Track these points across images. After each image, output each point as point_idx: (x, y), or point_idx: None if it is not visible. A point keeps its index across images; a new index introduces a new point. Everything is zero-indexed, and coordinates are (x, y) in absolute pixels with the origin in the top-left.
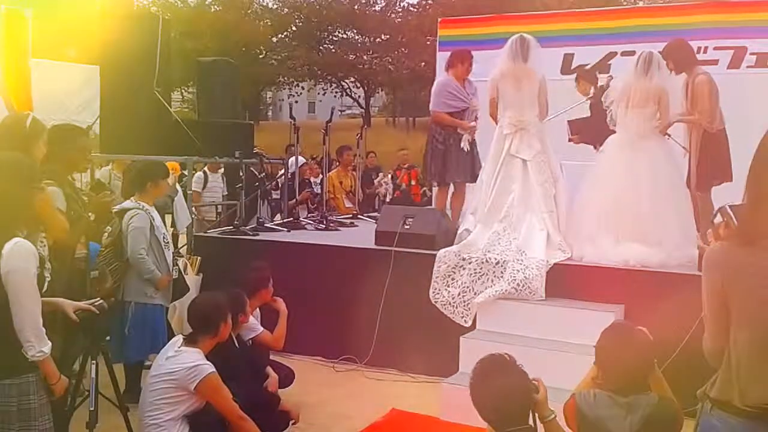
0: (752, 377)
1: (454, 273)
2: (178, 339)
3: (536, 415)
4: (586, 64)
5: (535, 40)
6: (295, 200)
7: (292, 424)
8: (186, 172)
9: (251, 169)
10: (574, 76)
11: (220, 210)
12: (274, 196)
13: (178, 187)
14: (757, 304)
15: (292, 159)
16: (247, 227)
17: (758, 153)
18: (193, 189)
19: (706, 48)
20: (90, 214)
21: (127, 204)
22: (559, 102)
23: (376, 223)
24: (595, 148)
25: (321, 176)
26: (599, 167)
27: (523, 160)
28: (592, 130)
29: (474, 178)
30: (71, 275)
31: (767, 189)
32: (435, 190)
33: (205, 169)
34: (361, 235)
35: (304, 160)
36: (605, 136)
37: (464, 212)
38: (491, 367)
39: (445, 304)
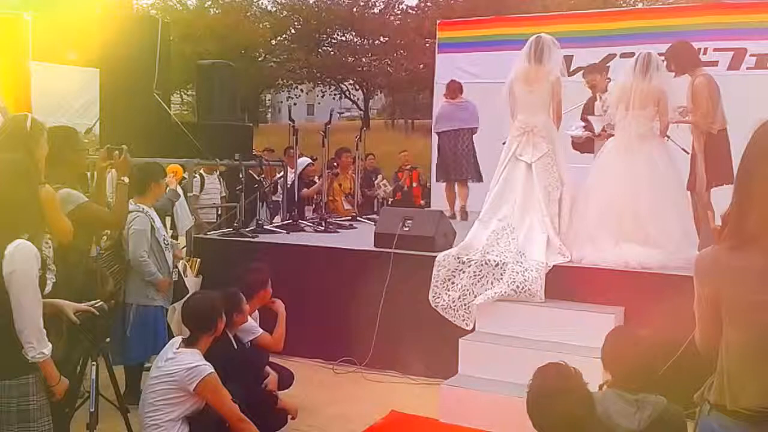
0: (745, 381)
1: (454, 276)
2: (177, 340)
3: None
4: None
5: (552, 40)
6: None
7: (291, 419)
8: (186, 175)
9: (249, 171)
10: (580, 74)
11: (219, 212)
12: (273, 199)
13: (179, 190)
14: (746, 308)
15: (300, 160)
16: (247, 229)
17: (746, 154)
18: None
19: (705, 49)
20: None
21: None
22: None
23: (375, 225)
24: None
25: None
26: (599, 169)
27: (527, 163)
28: (592, 142)
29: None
30: (87, 275)
31: (756, 190)
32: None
33: (201, 171)
34: (360, 236)
35: (310, 161)
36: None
37: None
38: (557, 383)
39: (445, 308)
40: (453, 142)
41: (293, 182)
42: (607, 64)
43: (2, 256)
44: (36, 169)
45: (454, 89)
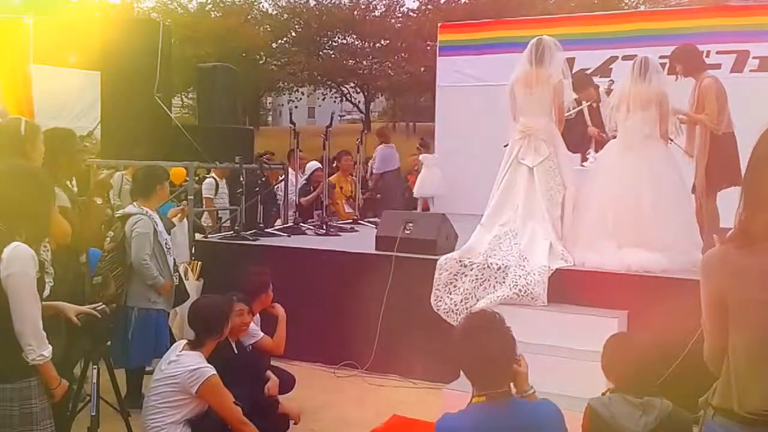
0: (751, 383)
1: (456, 280)
2: (181, 343)
3: (515, 388)
4: (587, 69)
5: (554, 43)
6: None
7: (293, 424)
8: (188, 178)
9: (261, 173)
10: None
11: (221, 215)
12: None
13: (185, 223)
14: (754, 308)
15: (310, 164)
16: (248, 232)
17: (754, 154)
18: (204, 195)
19: (708, 52)
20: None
21: (130, 209)
22: None
23: (376, 228)
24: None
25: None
26: (599, 171)
27: (528, 167)
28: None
29: None
30: (75, 279)
31: (763, 190)
32: None
33: (214, 175)
34: (361, 240)
35: (319, 165)
36: (583, 144)
37: None
38: (480, 323)
39: (447, 312)
40: (396, 179)
41: (300, 186)
42: (609, 67)
43: None
44: (50, 182)
45: (387, 134)
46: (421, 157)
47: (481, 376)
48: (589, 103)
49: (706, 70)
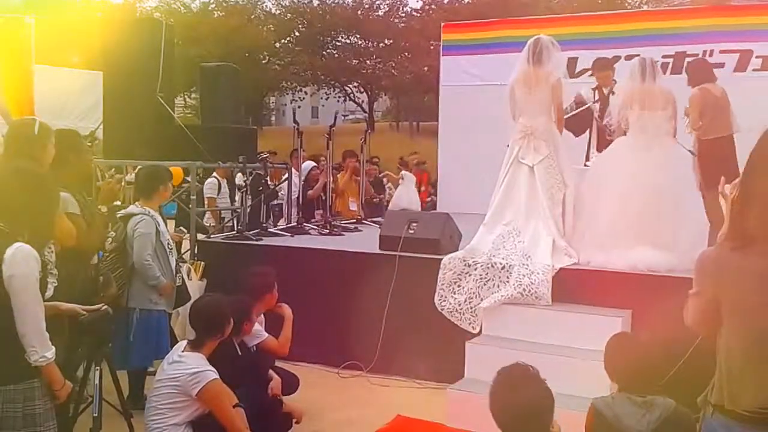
0: (745, 381)
1: (460, 279)
2: (183, 344)
3: None
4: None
5: (552, 42)
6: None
7: (296, 423)
8: (189, 178)
9: (258, 173)
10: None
11: (223, 215)
12: (277, 201)
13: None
14: (747, 309)
15: (305, 164)
16: (251, 232)
17: (753, 155)
18: (207, 195)
19: (711, 51)
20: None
21: (132, 209)
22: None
23: (380, 227)
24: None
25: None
26: (605, 170)
27: (529, 166)
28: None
29: None
30: (86, 282)
31: (756, 193)
32: None
33: (215, 175)
34: (365, 239)
35: (314, 164)
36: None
37: None
38: (519, 378)
39: (451, 311)
40: None
41: (299, 186)
42: (612, 66)
43: (1, 260)
44: (44, 175)
45: None
46: (402, 173)
47: (521, 429)
48: (587, 105)
49: (706, 82)
